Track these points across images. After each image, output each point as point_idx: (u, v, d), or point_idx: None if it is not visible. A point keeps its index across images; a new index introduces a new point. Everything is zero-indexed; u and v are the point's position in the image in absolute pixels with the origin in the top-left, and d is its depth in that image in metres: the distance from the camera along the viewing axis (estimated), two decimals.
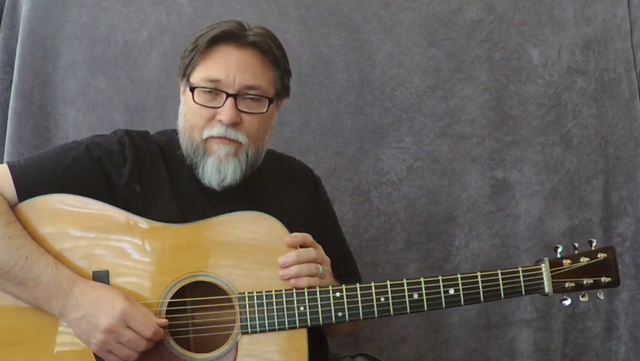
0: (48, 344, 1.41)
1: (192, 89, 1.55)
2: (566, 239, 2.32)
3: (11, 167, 1.48)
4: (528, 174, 2.36)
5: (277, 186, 1.72)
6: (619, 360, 2.37)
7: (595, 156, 2.37)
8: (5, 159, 2.22)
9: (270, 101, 1.58)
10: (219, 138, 1.54)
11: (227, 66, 1.54)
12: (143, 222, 1.47)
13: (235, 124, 1.53)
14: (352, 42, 2.33)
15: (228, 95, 1.53)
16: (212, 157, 1.55)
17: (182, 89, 1.64)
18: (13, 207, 1.44)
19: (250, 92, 1.55)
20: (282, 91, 1.65)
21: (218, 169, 1.55)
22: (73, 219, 1.45)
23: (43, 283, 1.37)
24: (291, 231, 1.50)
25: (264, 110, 1.57)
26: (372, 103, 2.33)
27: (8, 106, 2.25)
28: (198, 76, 1.56)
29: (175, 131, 1.68)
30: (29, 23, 2.24)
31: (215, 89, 1.54)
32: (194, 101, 1.55)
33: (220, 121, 1.53)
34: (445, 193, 2.34)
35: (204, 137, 1.55)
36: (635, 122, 2.40)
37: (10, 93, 2.25)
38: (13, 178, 1.46)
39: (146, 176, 1.57)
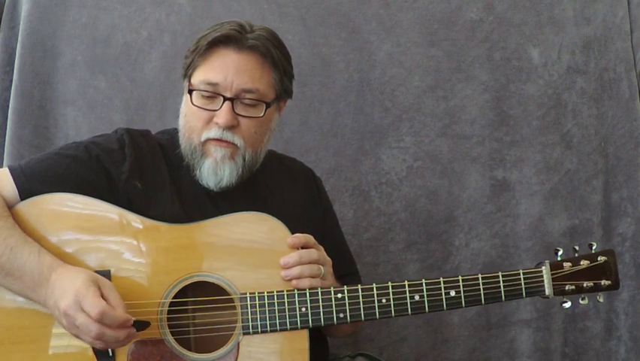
0: (48, 343, 1.41)
1: (191, 92, 1.56)
2: (566, 239, 2.32)
3: (12, 169, 1.49)
4: (528, 174, 2.35)
5: (279, 186, 1.73)
6: (619, 360, 2.37)
7: (595, 156, 2.37)
8: (5, 159, 2.23)
9: (268, 105, 1.59)
10: (216, 140, 1.55)
11: (225, 70, 1.54)
12: (144, 222, 1.48)
13: (231, 127, 1.54)
14: (352, 42, 2.33)
15: (225, 99, 1.54)
16: (209, 159, 1.56)
17: (184, 89, 1.65)
18: (13, 206, 1.44)
19: (247, 96, 1.56)
20: (283, 93, 1.66)
21: (214, 171, 1.56)
22: (74, 218, 1.46)
23: (27, 272, 1.36)
24: (292, 231, 1.50)
25: (261, 115, 1.58)
26: (372, 103, 2.33)
27: (8, 106, 2.25)
28: (197, 78, 1.57)
29: (177, 130, 1.69)
30: (29, 23, 2.24)
31: (213, 92, 1.55)
32: (192, 103, 1.56)
33: (217, 124, 1.54)
34: (445, 193, 2.34)
35: (202, 139, 1.56)
36: (635, 122, 2.39)
37: (10, 93, 2.25)
38: (13, 179, 1.47)
39: (147, 173, 1.58)
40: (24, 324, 1.41)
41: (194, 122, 1.57)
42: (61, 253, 1.43)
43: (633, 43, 2.42)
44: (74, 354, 1.41)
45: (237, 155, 1.57)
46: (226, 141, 1.55)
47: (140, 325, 1.37)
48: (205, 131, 1.56)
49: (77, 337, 1.33)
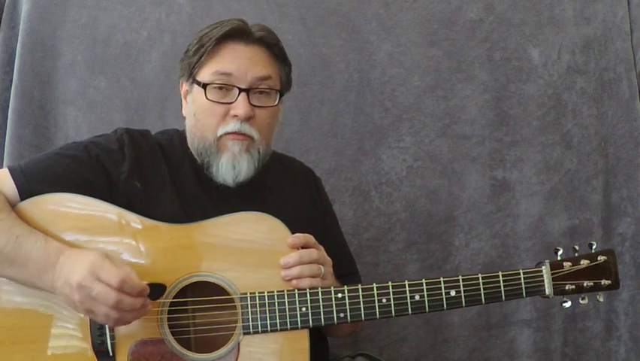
0: (48, 343, 1.41)
1: (205, 86, 1.56)
2: (566, 239, 2.33)
3: (12, 169, 1.49)
4: (528, 174, 2.36)
5: (279, 186, 1.73)
6: (619, 360, 2.37)
7: (595, 156, 2.38)
8: (5, 159, 2.23)
9: (280, 93, 1.61)
10: (233, 133, 1.55)
11: (237, 61, 1.55)
12: (144, 222, 1.47)
13: (249, 118, 1.54)
14: (352, 42, 2.34)
15: (241, 90, 1.54)
16: (227, 154, 1.56)
17: (185, 90, 1.65)
18: (14, 206, 1.44)
19: (262, 84, 1.57)
20: (287, 86, 1.68)
21: (232, 165, 1.56)
22: (74, 218, 1.45)
23: (33, 258, 1.36)
24: (292, 231, 1.50)
25: (275, 103, 1.60)
26: (372, 103, 2.33)
27: (8, 106, 2.25)
28: (208, 72, 1.57)
29: (177, 131, 1.69)
30: (29, 23, 2.24)
31: (227, 85, 1.55)
32: (206, 98, 1.55)
33: (235, 116, 1.54)
34: (445, 193, 2.34)
35: (219, 134, 1.55)
36: (635, 122, 2.40)
37: (10, 93, 2.25)
38: (13, 179, 1.46)
39: (146, 173, 1.57)
40: (24, 324, 1.41)
41: (209, 118, 1.56)
42: None
43: (633, 43, 2.43)
44: (74, 354, 1.41)
45: (253, 147, 1.57)
46: (243, 134, 1.55)
47: (157, 289, 1.38)
48: (222, 126, 1.55)
49: (90, 312, 1.32)
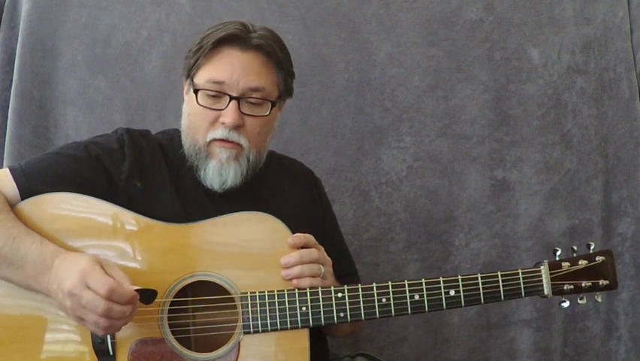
0: (49, 343, 1.41)
1: (196, 91, 1.56)
2: (566, 239, 2.32)
3: (12, 169, 1.49)
4: (528, 174, 2.36)
5: (279, 186, 1.73)
6: (619, 360, 2.37)
7: (595, 156, 2.37)
8: (5, 159, 2.23)
9: (273, 104, 1.59)
10: (222, 140, 1.55)
11: (230, 68, 1.54)
12: (144, 222, 1.48)
13: (237, 127, 1.54)
14: (352, 42, 2.33)
15: (231, 98, 1.54)
16: (214, 160, 1.56)
17: (185, 89, 1.65)
18: (14, 206, 1.44)
19: (253, 95, 1.56)
20: (286, 92, 1.67)
21: (219, 172, 1.56)
22: (76, 218, 1.46)
23: (30, 261, 1.36)
24: (293, 231, 1.51)
25: (267, 113, 1.58)
26: (372, 103, 2.33)
27: (8, 106, 2.25)
28: (202, 77, 1.56)
29: (177, 131, 1.69)
30: (29, 23, 2.24)
31: (218, 92, 1.54)
32: (197, 103, 1.56)
33: (223, 123, 1.54)
34: (445, 193, 2.34)
35: (207, 139, 1.56)
36: (635, 122, 2.40)
37: (10, 93, 2.25)
38: (14, 179, 1.47)
39: (146, 173, 1.58)
40: (24, 324, 1.41)
41: (199, 122, 1.57)
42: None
43: (633, 43, 2.43)
44: (74, 354, 1.41)
45: (242, 156, 1.58)
46: (231, 142, 1.55)
47: (148, 295, 1.37)
48: (211, 131, 1.56)
49: (80, 319, 1.32)
